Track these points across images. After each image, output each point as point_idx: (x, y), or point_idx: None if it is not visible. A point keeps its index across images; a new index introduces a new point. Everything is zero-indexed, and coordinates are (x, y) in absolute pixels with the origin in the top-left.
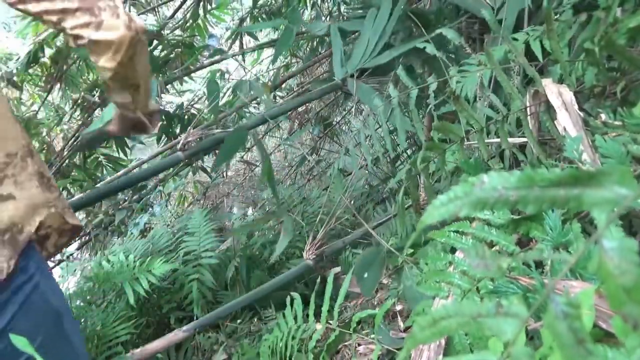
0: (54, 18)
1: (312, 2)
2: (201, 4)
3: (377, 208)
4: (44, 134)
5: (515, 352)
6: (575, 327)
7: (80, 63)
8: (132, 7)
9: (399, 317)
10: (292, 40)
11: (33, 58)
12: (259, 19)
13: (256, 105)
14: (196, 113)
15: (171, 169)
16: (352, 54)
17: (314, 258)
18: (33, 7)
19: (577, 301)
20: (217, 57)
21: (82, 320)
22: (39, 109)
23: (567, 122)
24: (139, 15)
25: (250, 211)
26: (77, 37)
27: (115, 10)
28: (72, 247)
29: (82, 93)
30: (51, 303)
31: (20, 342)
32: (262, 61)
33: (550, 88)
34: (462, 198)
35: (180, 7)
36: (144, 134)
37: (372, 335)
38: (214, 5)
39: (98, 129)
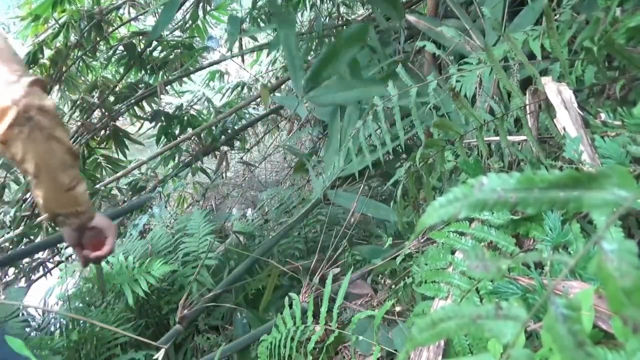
0: None
1: (311, 3)
2: (200, 5)
3: None
4: None
5: (515, 354)
6: (575, 330)
7: (80, 64)
8: (131, 9)
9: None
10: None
11: (32, 59)
12: (258, 20)
13: (255, 105)
14: (195, 114)
15: (170, 169)
16: (325, 162)
17: (308, 302)
18: None
19: (577, 304)
20: (217, 58)
21: (82, 321)
22: None
23: (566, 120)
24: (138, 16)
25: (249, 212)
26: None
27: (10, 82)
28: (71, 249)
29: (81, 94)
30: None
31: (15, 344)
32: (261, 62)
33: (550, 86)
34: (461, 200)
35: (179, 8)
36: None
37: None
38: (213, 7)
39: None
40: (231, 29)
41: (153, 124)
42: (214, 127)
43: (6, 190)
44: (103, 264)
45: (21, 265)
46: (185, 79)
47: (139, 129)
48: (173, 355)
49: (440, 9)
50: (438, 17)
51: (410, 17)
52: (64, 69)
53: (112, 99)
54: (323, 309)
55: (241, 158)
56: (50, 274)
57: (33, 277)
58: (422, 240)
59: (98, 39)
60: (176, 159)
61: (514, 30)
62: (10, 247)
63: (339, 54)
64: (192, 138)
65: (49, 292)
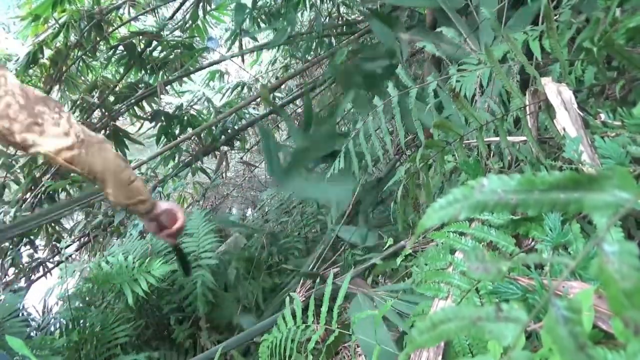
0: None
1: (311, 3)
2: (200, 5)
3: (375, 209)
4: None
5: (515, 356)
6: (576, 332)
7: (80, 64)
8: (131, 8)
9: None
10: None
11: (32, 59)
12: (259, 20)
13: (255, 105)
14: (195, 114)
15: (170, 169)
16: None
17: (303, 300)
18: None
19: (578, 305)
20: (217, 58)
21: (81, 321)
22: None
23: (566, 121)
24: (138, 16)
25: (249, 212)
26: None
27: (69, 119)
28: (71, 249)
29: (81, 94)
30: None
31: (15, 343)
32: (261, 62)
33: (550, 87)
34: (461, 201)
35: (179, 8)
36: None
37: None
38: (213, 7)
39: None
40: (237, 16)
41: (153, 124)
42: (214, 127)
43: (6, 190)
44: (103, 264)
45: (21, 265)
46: (185, 79)
47: (139, 129)
48: (174, 355)
49: (440, 21)
50: (431, 29)
51: (403, 36)
52: (64, 68)
53: (112, 99)
54: (323, 309)
55: (241, 158)
56: (50, 274)
57: (33, 277)
58: (422, 239)
59: (98, 39)
60: (176, 159)
61: (510, 32)
62: (10, 246)
63: (308, 156)
64: (192, 138)
65: (49, 292)
